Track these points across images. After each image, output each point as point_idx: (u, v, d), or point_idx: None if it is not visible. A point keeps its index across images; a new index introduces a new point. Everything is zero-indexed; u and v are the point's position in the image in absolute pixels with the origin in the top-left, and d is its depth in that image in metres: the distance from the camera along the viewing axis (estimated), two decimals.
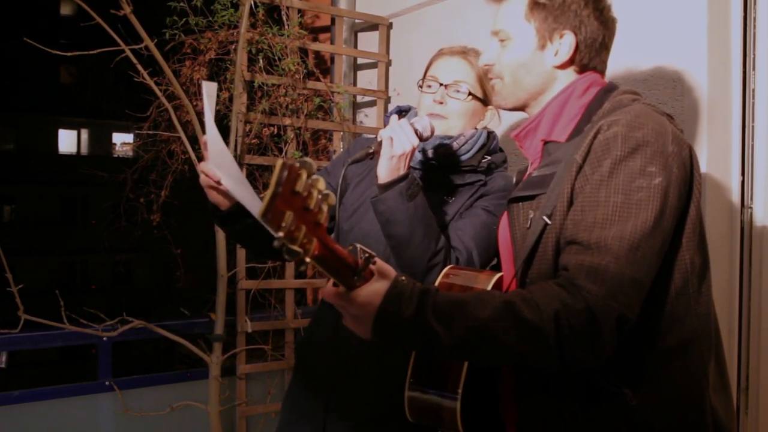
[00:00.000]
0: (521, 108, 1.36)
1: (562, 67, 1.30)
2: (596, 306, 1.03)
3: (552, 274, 1.16)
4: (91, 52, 2.61)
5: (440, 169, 1.68)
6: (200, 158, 2.63)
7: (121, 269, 19.05)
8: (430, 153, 1.68)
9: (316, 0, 3.02)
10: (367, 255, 1.04)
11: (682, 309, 1.16)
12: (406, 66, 2.97)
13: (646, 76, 2.01)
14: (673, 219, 1.13)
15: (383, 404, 1.57)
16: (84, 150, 20.27)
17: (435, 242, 1.52)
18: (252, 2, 2.63)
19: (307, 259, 0.87)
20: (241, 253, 2.74)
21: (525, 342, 1.05)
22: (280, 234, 0.82)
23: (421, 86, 1.72)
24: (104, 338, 2.58)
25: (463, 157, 1.67)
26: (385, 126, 1.55)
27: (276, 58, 2.72)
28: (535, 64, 1.30)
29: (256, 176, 2.76)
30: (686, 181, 1.16)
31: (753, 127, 1.94)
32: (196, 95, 2.72)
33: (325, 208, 0.88)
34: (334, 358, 1.64)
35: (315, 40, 3.16)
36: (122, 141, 20.21)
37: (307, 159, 0.85)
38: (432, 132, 1.57)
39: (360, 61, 3.15)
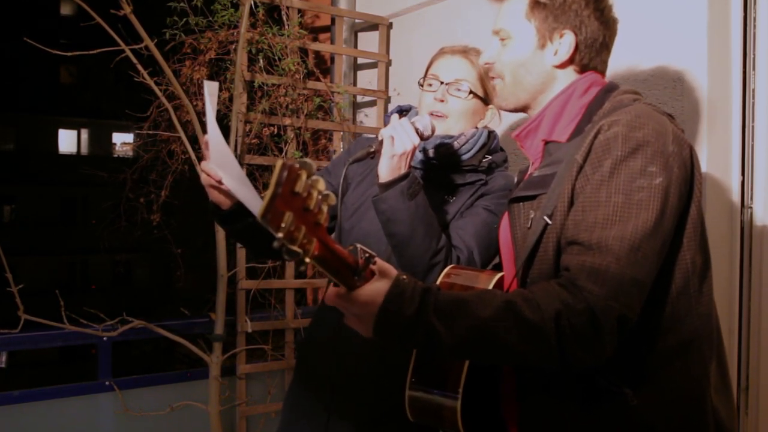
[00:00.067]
0: (522, 109, 1.36)
1: (562, 66, 1.30)
2: (597, 306, 1.03)
3: (553, 274, 1.16)
4: (91, 52, 2.61)
5: (441, 168, 1.68)
6: (200, 158, 2.64)
7: (121, 269, 19.05)
8: (430, 152, 1.68)
9: (316, 0, 3.02)
10: (367, 255, 1.04)
11: (683, 309, 1.16)
12: (406, 66, 2.97)
13: (647, 76, 2.01)
14: (673, 219, 1.13)
15: (384, 404, 1.57)
16: (84, 150, 20.27)
17: (436, 241, 1.52)
18: (252, 2, 2.63)
19: (307, 260, 0.87)
20: (241, 253, 2.74)
21: (526, 342, 1.05)
22: (280, 234, 0.82)
23: (422, 85, 1.73)
24: (104, 338, 2.58)
25: (464, 157, 1.67)
26: (385, 126, 1.55)
27: (276, 58, 2.72)
28: (535, 64, 1.30)
29: (256, 176, 2.76)
30: (687, 180, 1.16)
31: (753, 127, 1.94)
32: (196, 95, 2.72)
33: (325, 208, 0.88)
34: (334, 358, 1.64)
35: (315, 40, 3.16)
36: (122, 141, 20.21)
37: (307, 159, 0.85)
38: (433, 131, 1.57)
39: (360, 61, 3.15)
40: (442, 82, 1.68)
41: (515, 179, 1.48)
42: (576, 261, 1.08)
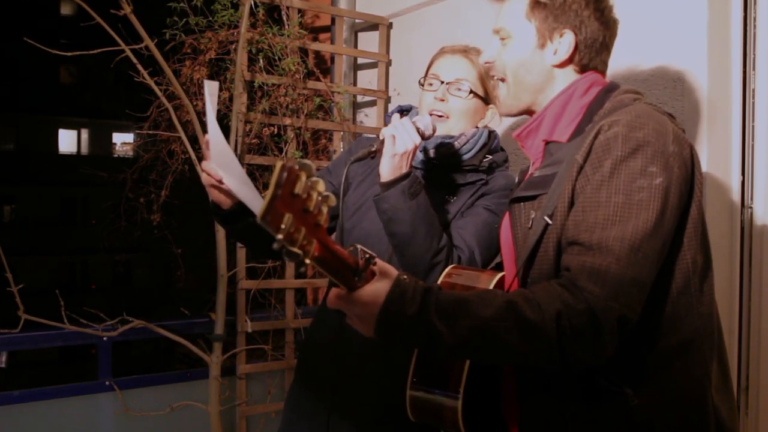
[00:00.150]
0: (525, 111, 1.36)
1: (562, 66, 1.30)
2: (597, 307, 1.04)
3: (553, 274, 1.16)
4: (91, 52, 2.61)
5: (442, 168, 1.69)
6: (200, 158, 2.64)
7: (121, 269, 19.05)
8: (431, 152, 1.68)
9: (316, 0, 3.02)
10: (367, 255, 1.04)
11: (683, 309, 1.16)
12: (406, 66, 2.97)
13: (647, 76, 2.01)
14: (674, 219, 1.13)
15: (385, 404, 1.58)
16: (84, 150, 20.27)
17: (437, 240, 1.52)
18: (252, 2, 2.64)
19: (307, 261, 0.87)
20: (241, 253, 2.74)
21: (527, 342, 1.05)
22: (280, 236, 0.82)
23: (422, 84, 1.73)
24: (104, 338, 2.58)
25: (465, 157, 1.67)
26: (385, 125, 1.55)
27: (276, 58, 2.72)
28: (535, 63, 1.30)
29: (256, 176, 2.76)
30: (687, 180, 1.16)
31: (753, 127, 1.94)
32: (196, 95, 2.72)
33: (324, 209, 0.88)
34: (335, 359, 1.64)
35: (315, 40, 3.17)
36: (122, 141, 20.21)
37: (307, 161, 0.85)
38: (434, 131, 1.57)
39: (360, 61, 3.15)
40: (442, 82, 1.68)
41: (516, 179, 1.48)
42: (576, 261, 1.09)
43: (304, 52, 2.86)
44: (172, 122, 2.70)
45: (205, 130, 2.63)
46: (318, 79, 2.88)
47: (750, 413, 1.92)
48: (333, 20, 3.01)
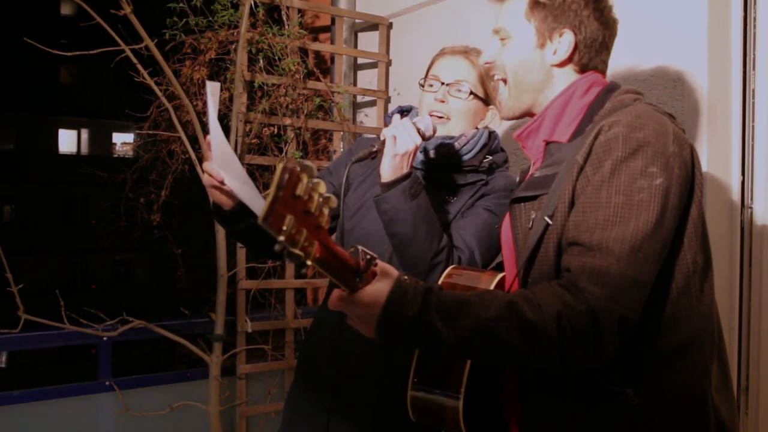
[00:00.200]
0: (526, 113, 1.35)
1: (561, 65, 1.30)
2: (598, 307, 1.04)
3: (554, 274, 1.16)
4: (91, 52, 2.61)
5: (442, 168, 1.69)
6: (200, 158, 2.64)
7: (121, 269, 19.05)
8: (431, 153, 1.68)
9: (316, 0, 3.02)
10: (368, 256, 1.04)
11: (684, 309, 1.17)
12: (406, 66, 2.97)
13: (647, 76, 2.01)
14: (674, 219, 1.13)
15: (386, 404, 1.58)
16: (84, 150, 20.27)
17: (438, 241, 1.52)
18: (252, 2, 2.64)
19: (309, 262, 0.88)
20: (241, 253, 2.74)
21: (527, 342, 1.05)
22: (281, 238, 0.82)
23: (422, 85, 1.73)
24: (104, 338, 2.58)
25: (465, 157, 1.67)
26: (385, 126, 1.55)
27: (276, 58, 2.72)
28: (535, 63, 1.30)
29: (256, 176, 2.76)
30: (687, 181, 1.16)
31: (753, 127, 1.94)
32: (196, 95, 2.72)
33: (326, 211, 0.88)
34: (336, 359, 1.64)
35: (315, 40, 3.17)
36: (122, 141, 20.21)
37: (308, 162, 0.85)
38: (434, 131, 1.58)
39: (360, 61, 3.15)
40: (442, 83, 1.68)
41: (516, 179, 1.48)
42: (577, 262, 1.09)
43: (304, 52, 2.86)
44: (172, 122, 2.71)
45: (205, 130, 2.63)
46: (318, 79, 2.88)
47: (750, 413, 1.92)
48: (333, 20, 3.01)
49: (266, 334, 2.81)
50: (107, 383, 2.56)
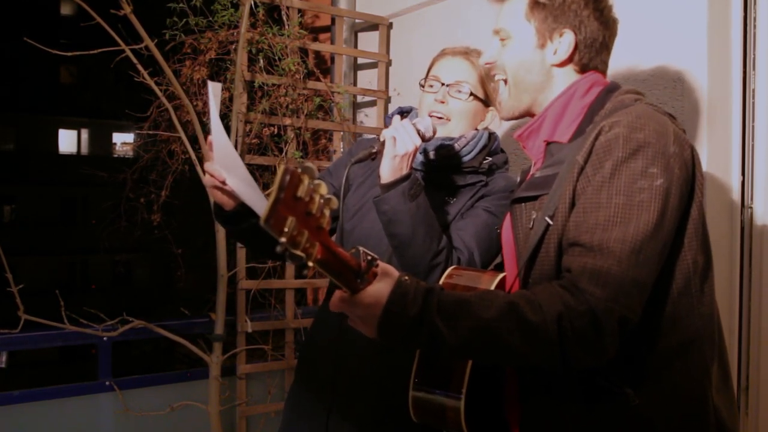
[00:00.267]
0: (526, 113, 1.35)
1: (562, 65, 1.30)
2: (598, 308, 1.04)
3: (554, 274, 1.16)
4: (91, 52, 2.61)
5: (442, 169, 1.69)
6: (201, 158, 2.64)
7: (121, 269, 19.05)
8: (431, 154, 1.68)
9: (316, 0, 3.02)
10: (369, 257, 1.04)
11: (684, 309, 1.17)
12: (406, 66, 2.97)
13: (647, 76, 2.01)
14: (674, 220, 1.13)
15: (386, 405, 1.58)
16: (84, 150, 20.26)
17: (437, 242, 1.52)
18: (252, 2, 2.64)
19: (310, 264, 0.88)
20: (241, 253, 2.74)
21: (528, 343, 1.05)
22: (283, 239, 0.83)
23: (422, 86, 1.73)
24: (104, 338, 2.58)
25: (465, 158, 1.67)
26: (385, 126, 1.56)
27: (276, 58, 2.72)
28: (535, 63, 1.30)
29: (256, 176, 2.76)
30: (688, 181, 1.16)
31: (753, 127, 1.94)
32: (196, 95, 2.72)
33: (327, 212, 0.88)
34: (336, 359, 1.64)
35: (315, 40, 3.17)
36: (122, 141, 20.20)
37: (309, 164, 0.86)
38: (434, 133, 1.58)
39: (360, 61, 3.15)
40: (443, 84, 1.68)
41: (515, 180, 1.48)
42: (577, 263, 1.09)
43: (304, 52, 2.86)
44: (172, 122, 2.71)
45: (205, 130, 2.64)
46: (318, 79, 2.88)
47: (750, 413, 1.92)
48: (333, 20, 3.01)
49: (266, 334, 2.81)
50: (107, 383, 2.56)
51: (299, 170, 0.83)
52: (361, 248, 1.05)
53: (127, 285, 18.43)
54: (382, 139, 1.51)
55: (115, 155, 19.91)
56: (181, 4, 2.64)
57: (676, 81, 1.95)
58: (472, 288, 1.34)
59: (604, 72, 1.34)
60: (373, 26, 3.07)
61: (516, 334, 1.05)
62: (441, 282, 1.39)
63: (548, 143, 1.30)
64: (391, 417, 1.54)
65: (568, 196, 1.16)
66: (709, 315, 1.20)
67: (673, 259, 1.16)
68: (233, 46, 2.67)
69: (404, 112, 1.76)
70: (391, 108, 2.94)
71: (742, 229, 1.94)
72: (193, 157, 2.70)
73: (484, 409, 1.31)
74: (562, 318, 1.04)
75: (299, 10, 2.84)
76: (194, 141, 2.71)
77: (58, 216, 18.57)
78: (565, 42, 1.28)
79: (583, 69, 1.31)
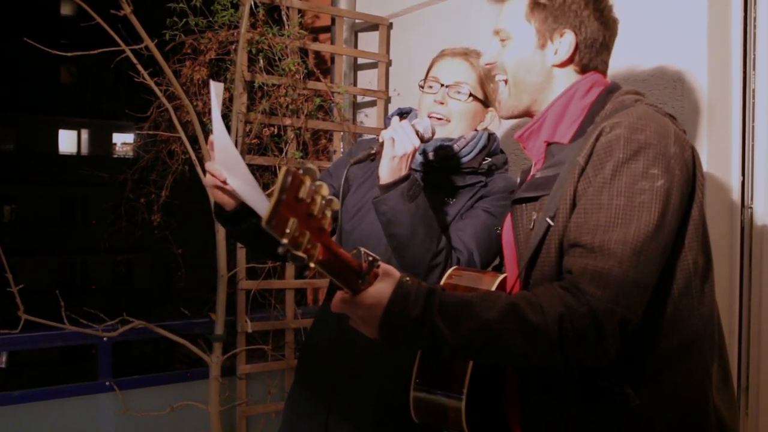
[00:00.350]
0: (526, 112, 1.35)
1: (562, 65, 1.30)
2: (599, 309, 1.04)
3: (555, 275, 1.16)
4: (92, 52, 2.61)
5: (441, 170, 1.69)
6: (201, 158, 2.64)
7: (121, 269, 19.05)
8: (430, 155, 1.68)
9: (316, 0, 3.02)
10: (371, 258, 1.04)
11: (684, 309, 1.17)
12: (406, 66, 2.97)
13: (647, 76, 2.01)
14: (675, 221, 1.13)
15: (386, 405, 1.58)
16: (84, 150, 20.26)
17: (436, 242, 1.52)
18: (252, 2, 2.64)
19: (312, 265, 0.88)
20: (241, 253, 2.74)
21: (529, 344, 1.06)
22: (285, 240, 0.83)
23: (422, 87, 1.73)
24: (104, 338, 2.58)
25: (464, 159, 1.67)
26: (385, 127, 1.56)
27: (276, 58, 2.72)
28: (535, 63, 1.30)
29: (256, 176, 2.76)
30: (689, 182, 1.16)
31: (753, 127, 1.94)
32: (196, 95, 2.72)
33: (328, 213, 0.88)
34: (336, 360, 1.64)
35: (315, 40, 3.17)
36: (122, 141, 20.20)
37: (311, 165, 0.86)
38: (433, 133, 1.58)
39: (360, 61, 3.15)
40: (442, 85, 1.68)
41: (515, 181, 1.48)
42: (578, 264, 1.09)
43: (304, 52, 2.86)
44: (172, 122, 2.71)
45: (205, 130, 2.64)
46: (318, 80, 2.88)
47: (750, 413, 1.92)
48: (333, 20, 3.01)
49: (266, 334, 2.81)
50: (107, 383, 2.56)
51: (301, 171, 0.83)
52: (362, 249, 1.05)
53: (127, 285, 18.43)
54: (381, 140, 1.51)
55: (115, 155, 19.91)
56: (181, 4, 2.63)
57: (676, 81, 1.95)
58: (473, 289, 1.34)
59: (604, 72, 1.33)
60: (373, 26, 3.07)
61: (517, 334, 1.05)
62: (442, 283, 1.39)
63: (549, 144, 1.30)
64: (390, 417, 1.54)
65: (569, 197, 1.16)
66: (709, 315, 1.20)
67: (674, 260, 1.16)
68: (233, 47, 2.67)
69: (404, 113, 1.77)
70: (391, 108, 2.95)
71: (742, 229, 1.94)
72: (193, 157, 2.70)
73: (485, 409, 1.31)
74: (563, 319, 1.04)
75: (299, 11, 2.84)
76: (194, 141, 2.71)
77: (58, 216, 18.57)
78: (565, 42, 1.28)
79: (583, 69, 1.31)
